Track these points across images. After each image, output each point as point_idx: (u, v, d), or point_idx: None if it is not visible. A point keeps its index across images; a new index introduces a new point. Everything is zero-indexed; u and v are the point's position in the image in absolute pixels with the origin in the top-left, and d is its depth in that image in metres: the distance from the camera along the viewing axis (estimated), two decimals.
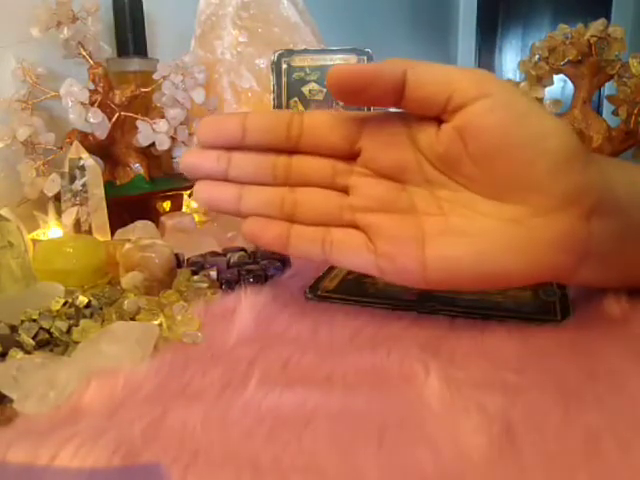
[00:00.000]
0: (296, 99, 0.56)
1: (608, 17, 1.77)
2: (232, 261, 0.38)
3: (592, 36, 0.57)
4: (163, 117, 0.54)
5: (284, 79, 0.56)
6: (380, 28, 1.35)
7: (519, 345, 0.25)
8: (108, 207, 0.45)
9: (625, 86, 0.57)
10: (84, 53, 0.51)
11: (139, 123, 0.53)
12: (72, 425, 0.19)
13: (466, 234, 0.25)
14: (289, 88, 0.56)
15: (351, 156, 0.27)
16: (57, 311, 0.28)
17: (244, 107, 0.63)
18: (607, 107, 0.63)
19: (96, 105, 0.50)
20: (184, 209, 0.58)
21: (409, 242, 0.25)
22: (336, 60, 0.55)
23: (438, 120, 0.25)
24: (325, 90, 0.55)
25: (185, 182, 0.57)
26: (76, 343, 0.26)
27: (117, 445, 0.18)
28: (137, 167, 0.54)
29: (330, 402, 0.21)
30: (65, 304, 0.29)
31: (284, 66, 0.55)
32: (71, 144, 0.46)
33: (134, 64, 0.59)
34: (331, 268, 0.36)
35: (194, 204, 0.58)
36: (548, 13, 2.20)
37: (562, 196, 0.23)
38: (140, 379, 0.23)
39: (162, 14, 0.69)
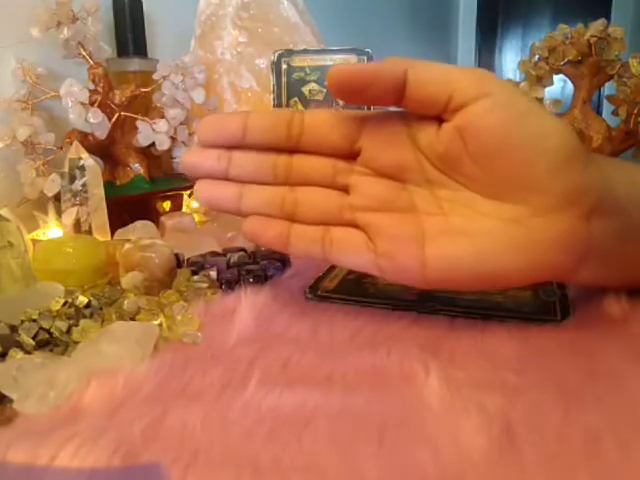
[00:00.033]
0: (296, 99, 0.56)
1: (608, 17, 1.77)
2: (232, 261, 0.38)
3: (592, 36, 0.57)
4: (163, 117, 0.54)
5: (284, 79, 0.56)
6: (380, 28, 1.35)
7: (519, 345, 0.25)
8: (108, 207, 0.45)
9: (625, 86, 0.57)
10: (84, 53, 0.51)
11: (139, 123, 0.53)
12: (72, 425, 0.19)
13: (466, 234, 0.25)
14: (289, 88, 0.56)
15: (351, 155, 0.27)
16: (57, 311, 0.28)
17: (244, 107, 0.63)
18: (607, 107, 0.63)
19: (96, 105, 0.50)
20: (184, 209, 0.58)
21: (409, 241, 0.25)
22: (336, 60, 0.55)
23: (438, 119, 0.25)
24: (325, 90, 0.55)
25: (185, 182, 0.57)
26: (76, 343, 0.26)
27: (117, 445, 0.18)
28: (137, 167, 0.54)
29: (330, 402, 0.21)
30: (65, 304, 0.29)
31: (284, 66, 0.55)
32: (71, 144, 0.46)
33: (134, 64, 0.59)
34: (331, 268, 0.36)
35: (194, 204, 0.58)
36: (548, 13, 2.20)
37: (562, 196, 0.24)
38: (140, 379, 0.23)
39: (162, 14, 0.69)
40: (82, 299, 0.29)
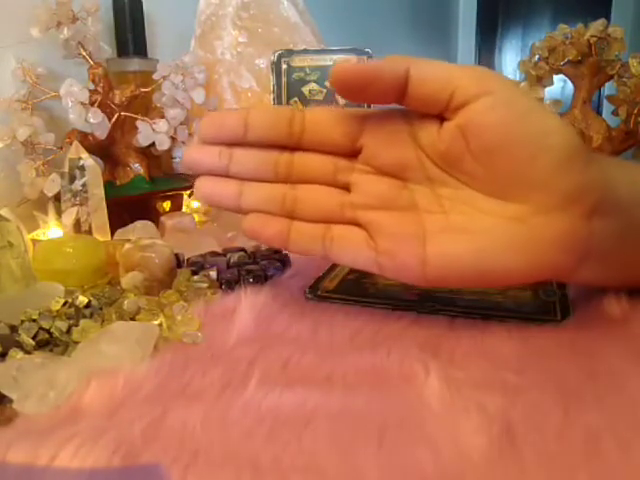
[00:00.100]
0: (296, 99, 0.56)
1: (608, 17, 1.77)
2: (232, 261, 0.38)
3: (592, 36, 0.57)
4: (163, 117, 0.54)
5: (284, 79, 0.56)
6: (380, 28, 1.35)
7: (519, 345, 0.25)
8: (108, 207, 0.45)
9: (625, 86, 0.57)
10: (84, 53, 0.51)
11: (139, 123, 0.53)
12: (72, 425, 0.19)
13: (467, 232, 0.25)
14: (289, 88, 0.56)
15: (352, 153, 0.27)
16: (57, 311, 0.28)
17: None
18: (607, 107, 0.63)
19: (96, 105, 0.50)
20: (184, 209, 0.58)
21: (410, 239, 0.25)
22: (336, 60, 0.55)
23: (440, 118, 0.25)
24: (325, 90, 0.55)
25: (185, 182, 0.57)
26: (76, 343, 0.26)
27: (117, 445, 0.18)
28: (137, 167, 0.55)
29: (330, 402, 0.21)
30: (65, 304, 0.29)
31: (284, 66, 0.55)
32: (71, 144, 0.46)
33: (134, 64, 0.59)
34: (331, 268, 0.36)
35: (194, 204, 0.59)
36: (548, 13, 2.20)
37: (563, 195, 0.23)
38: (140, 379, 0.23)
39: (162, 14, 0.69)
40: (82, 299, 0.29)
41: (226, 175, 0.28)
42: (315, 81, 0.55)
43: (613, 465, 0.17)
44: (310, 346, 0.26)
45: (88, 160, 0.44)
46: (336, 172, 0.27)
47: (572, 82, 0.61)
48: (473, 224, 0.25)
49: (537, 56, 0.61)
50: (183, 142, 0.56)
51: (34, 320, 0.27)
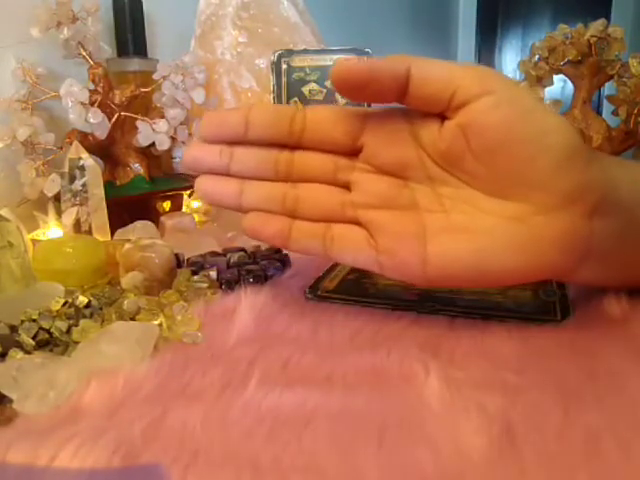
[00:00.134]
0: (296, 99, 0.56)
1: (608, 17, 1.77)
2: (232, 261, 0.38)
3: (592, 36, 0.57)
4: (163, 117, 0.54)
5: (284, 79, 0.56)
6: (380, 28, 1.35)
7: (519, 345, 0.25)
8: (108, 207, 0.45)
9: (625, 86, 0.57)
10: (84, 53, 0.51)
11: (139, 123, 0.53)
12: (72, 425, 0.19)
13: (467, 231, 0.25)
14: (289, 88, 0.56)
15: (353, 152, 0.27)
16: (57, 311, 0.28)
17: None
18: (607, 107, 0.63)
19: (96, 105, 0.50)
20: (184, 209, 0.58)
21: (410, 238, 0.25)
22: (336, 60, 0.55)
23: (441, 117, 0.25)
24: (325, 90, 0.55)
25: (185, 182, 0.57)
26: (76, 343, 0.26)
27: (117, 445, 0.18)
28: (137, 167, 0.55)
29: (330, 402, 0.21)
30: (65, 304, 0.29)
31: (284, 66, 0.55)
32: (71, 144, 0.46)
33: (134, 64, 0.59)
34: (331, 268, 0.36)
35: (194, 204, 0.59)
36: (548, 13, 2.20)
37: (564, 194, 0.23)
38: (140, 379, 0.23)
39: (162, 14, 0.69)
40: (82, 299, 0.29)
41: (227, 174, 0.28)
42: (315, 81, 0.55)
43: (613, 465, 0.17)
44: (310, 346, 0.26)
45: (88, 160, 0.44)
46: (337, 171, 0.27)
47: (572, 82, 0.61)
48: (474, 223, 0.25)
49: (537, 56, 0.61)
50: (183, 142, 0.56)
51: (34, 320, 0.27)
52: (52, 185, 0.46)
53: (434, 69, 0.24)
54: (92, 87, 0.51)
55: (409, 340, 0.26)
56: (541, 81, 0.61)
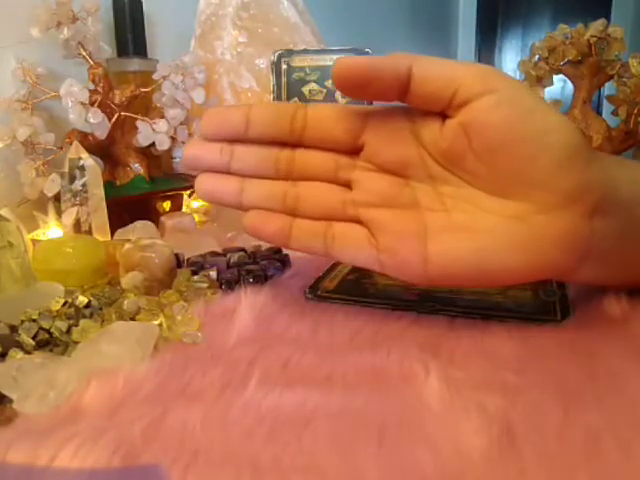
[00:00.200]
0: (296, 99, 0.56)
1: (608, 17, 1.77)
2: (232, 261, 0.38)
3: (592, 36, 0.57)
4: (163, 117, 0.54)
5: (284, 79, 0.56)
6: (380, 28, 1.35)
7: (519, 345, 0.25)
8: (108, 207, 0.45)
9: (625, 86, 0.57)
10: (84, 53, 0.51)
11: (139, 123, 0.53)
12: (72, 425, 0.19)
13: (468, 230, 0.25)
14: (289, 88, 0.56)
15: (354, 150, 0.27)
16: (57, 311, 0.28)
17: None
18: (607, 107, 0.63)
19: (96, 105, 0.50)
20: (184, 209, 0.58)
21: (411, 237, 0.25)
22: (336, 60, 0.55)
23: (442, 115, 0.25)
24: (325, 90, 0.55)
25: (185, 182, 0.57)
26: (76, 343, 0.26)
27: (117, 445, 0.18)
28: (137, 167, 0.55)
29: (330, 402, 0.21)
30: (65, 304, 0.29)
31: (284, 66, 0.55)
32: (71, 144, 0.46)
33: (134, 64, 0.59)
34: (331, 268, 0.36)
35: (194, 204, 0.59)
36: (548, 13, 2.20)
37: (565, 193, 0.23)
38: (140, 379, 0.23)
39: (162, 14, 0.69)
40: (82, 299, 0.29)
41: (227, 172, 0.28)
42: (315, 81, 0.55)
43: (613, 465, 0.17)
44: (310, 346, 0.26)
45: (88, 160, 0.44)
46: (337, 169, 0.27)
47: (572, 82, 0.61)
48: (475, 222, 0.25)
49: (537, 56, 0.61)
50: (183, 142, 0.56)
51: (34, 320, 0.27)
52: (52, 185, 0.46)
53: (436, 67, 0.24)
54: (92, 87, 0.51)
55: (409, 340, 0.26)
56: (541, 81, 0.61)
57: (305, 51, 0.57)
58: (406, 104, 0.25)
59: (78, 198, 0.44)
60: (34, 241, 0.41)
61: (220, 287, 0.34)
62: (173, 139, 0.55)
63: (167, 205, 0.58)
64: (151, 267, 0.33)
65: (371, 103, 0.31)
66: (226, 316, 0.30)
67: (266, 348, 0.25)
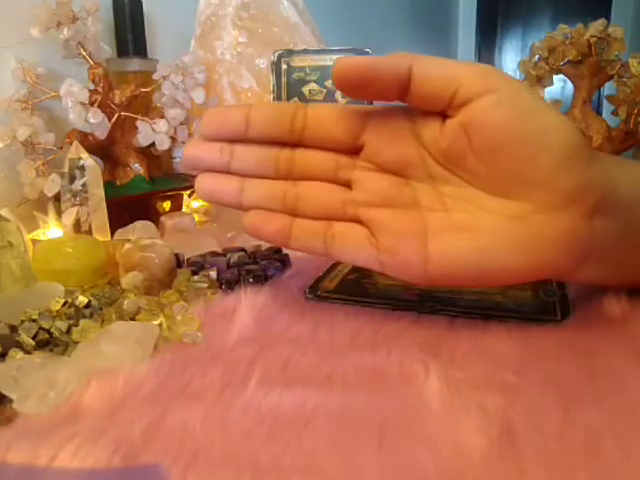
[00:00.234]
0: (296, 99, 0.56)
1: (608, 17, 1.77)
2: (232, 261, 0.38)
3: (592, 36, 0.57)
4: (163, 117, 0.54)
5: (284, 79, 0.56)
6: (380, 28, 1.35)
7: (519, 345, 0.25)
8: (108, 207, 0.45)
9: (625, 86, 0.57)
10: (84, 53, 0.51)
11: (139, 123, 0.53)
12: (72, 425, 0.19)
13: (468, 230, 0.25)
14: (289, 88, 0.56)
15: (354, 150, 0.27)
16: (57, 311, 0.28)
17: None
18: (607, 107, 0.63)
19: (96, 105, 0.50)
20: (184, 209, 0.58)
21: (411, 237, 0.25)
22: (336, 60, 0.55)
23: (442, 115, 0.25)
24: (325, 90, 0.55)
25: (185, 182, 0.57)
26: (76, 343, 0.26)
27: (117, 445, 0.18)
28: (137, 167, 0.55)
29: (330, 402, 0.21)
30: (65, 304, 0.29)
31: (284, 66, 0.55)
32: (71, 144, 0.46)
33: (134, 64, 0.59)
34: (331, 268, 0.36)
35: (194, 204, 0.58)
36: (548, 13, 2.20)
37: (565, 193, 0.23)
38: (140, 379, 0.23)
39: (162, 14, 0.69)
40: (82, 299, 0.29)
41: (227, 172, 0.28)
42: (315, 81, 0.55)
43: (613, 465, 0.17)
44: (310, 346, 0.26)
45: (88, 160, 0.44)
46: (337, 169, 0.27)
47: (572, 82, 0.61)
48: (475, 222, 0.25)
49: (537, 56, 0.61)
50: (183, 142, 0.56)
51: (34, 320, 0.27)
52: (52, 185, 0.46)
53: (436, 67, 0.24)
54: (92, 87, 0.51)
55: (409, 340, 0.26)
56: (541, 81, 0.61)
57: (305, 51, 0.57)
58: (406, 104, 0.25)
59: (78, 198, 0.44)
60: (34, 241, 0.41)
61: (220, 287, 0.34)
62: (173, 139, 0.55)
63: (167, 205, 0.58)
64: (151, 267, 0.33)
65: (371, 103, 0.31)
66: (226, 316, 0.30)
67: (266, 348, 0.25)
